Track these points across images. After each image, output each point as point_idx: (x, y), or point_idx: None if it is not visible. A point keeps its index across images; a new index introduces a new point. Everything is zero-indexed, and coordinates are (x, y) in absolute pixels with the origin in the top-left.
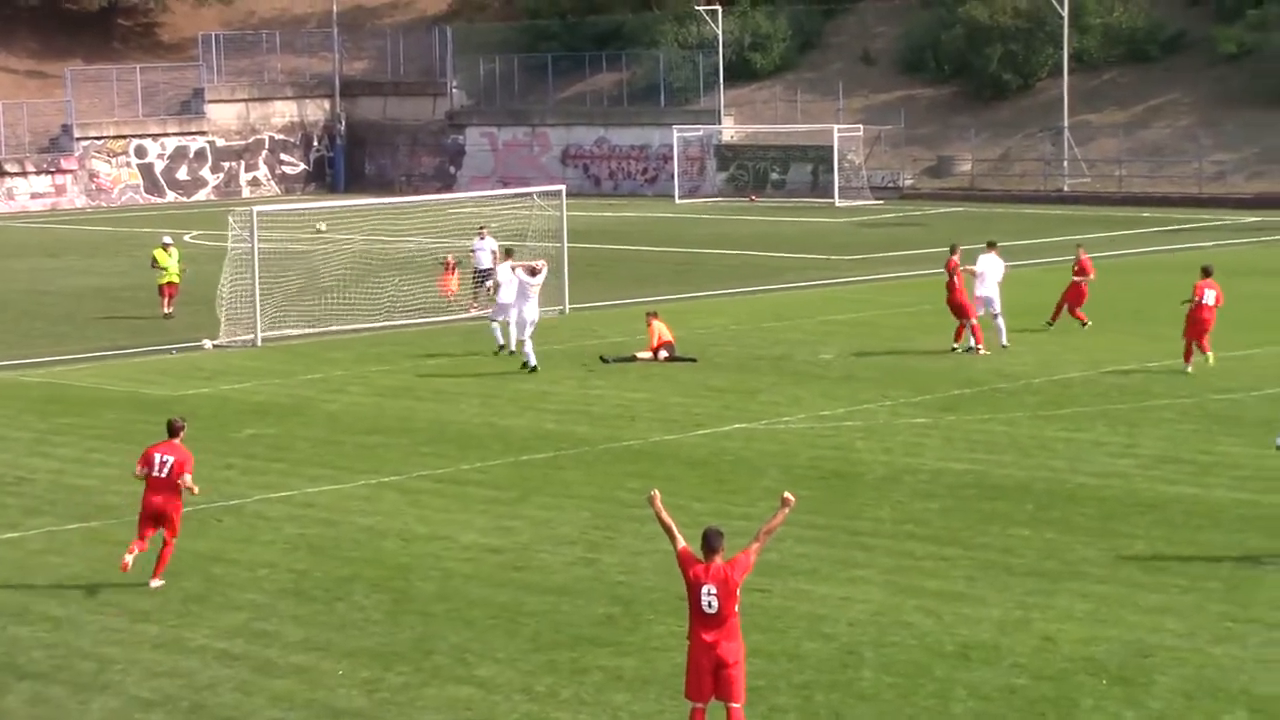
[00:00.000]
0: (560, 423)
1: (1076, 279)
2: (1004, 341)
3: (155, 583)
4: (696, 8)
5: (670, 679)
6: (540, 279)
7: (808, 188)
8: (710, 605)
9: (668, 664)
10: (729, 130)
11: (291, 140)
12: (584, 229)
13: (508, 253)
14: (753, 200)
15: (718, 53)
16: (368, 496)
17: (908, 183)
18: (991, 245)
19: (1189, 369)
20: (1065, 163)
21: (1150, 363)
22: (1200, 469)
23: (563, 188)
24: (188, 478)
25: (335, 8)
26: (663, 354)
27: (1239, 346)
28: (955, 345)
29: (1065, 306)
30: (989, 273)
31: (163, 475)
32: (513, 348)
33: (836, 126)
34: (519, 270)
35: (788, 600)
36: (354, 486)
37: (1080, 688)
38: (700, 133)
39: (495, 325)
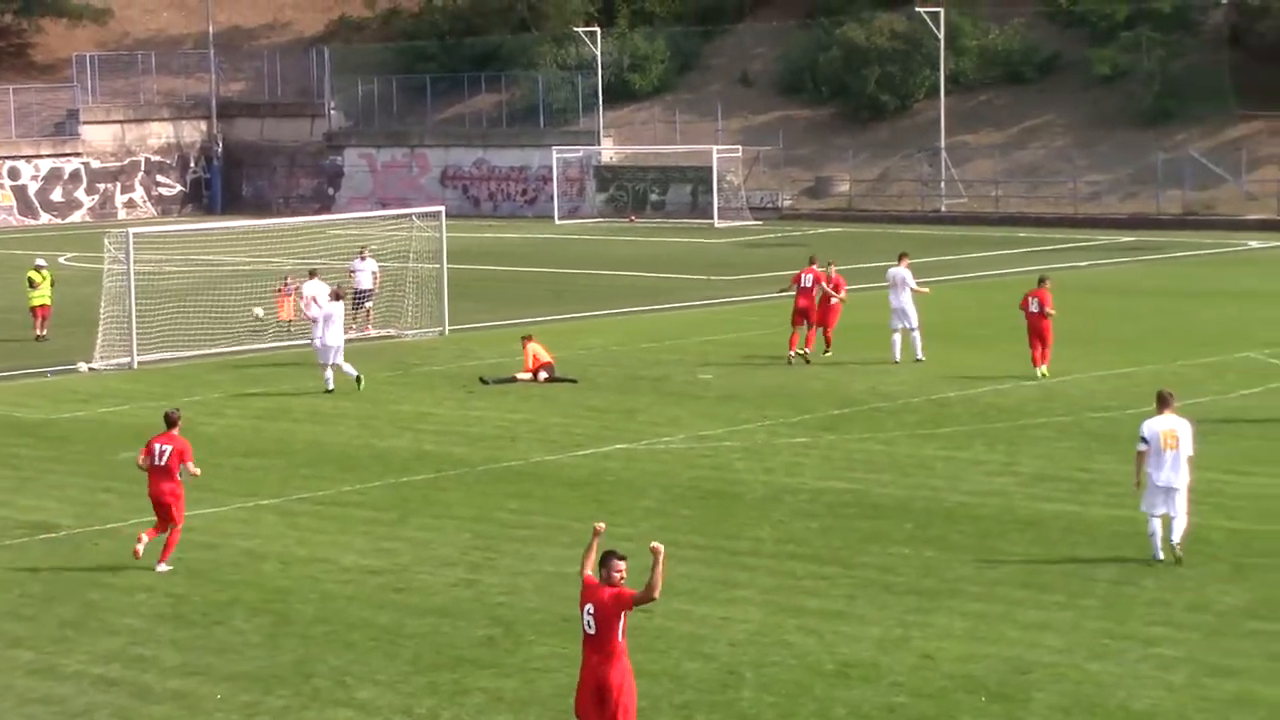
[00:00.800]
0: (440, 444)
1: (827, 297)
2: (919, 355)
3: (161, 567)
4: (575, 29)
5: (552, 700)
6: (339, 305)
7: (687, 208)
8: (589, 626)
9: (549, 685)
10: (608, 151)
11: (168, 162)
12: (463, 250)
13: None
14: (632, 221)
15: (596, 74)
16: (246, 519)
17: (786, 203)
18: (902, 257)
19: (1039, 373)
20: (942, 183)
21: (1027, 381)
22: (1078, 487)
23: (442, 209)
24: (190, 465)
25: (211, 28)
26: (543, 375)
27: (1117, 365)
28: (798, 352)
29: (816, 327)
30: (900, 285)
31: (162, 464)
32: (329, 386)
33: (715, 147)
34: (309, 305)
35: (668, 620)
36: (232, 509)
37: (959, 705)
38: (580, 154)
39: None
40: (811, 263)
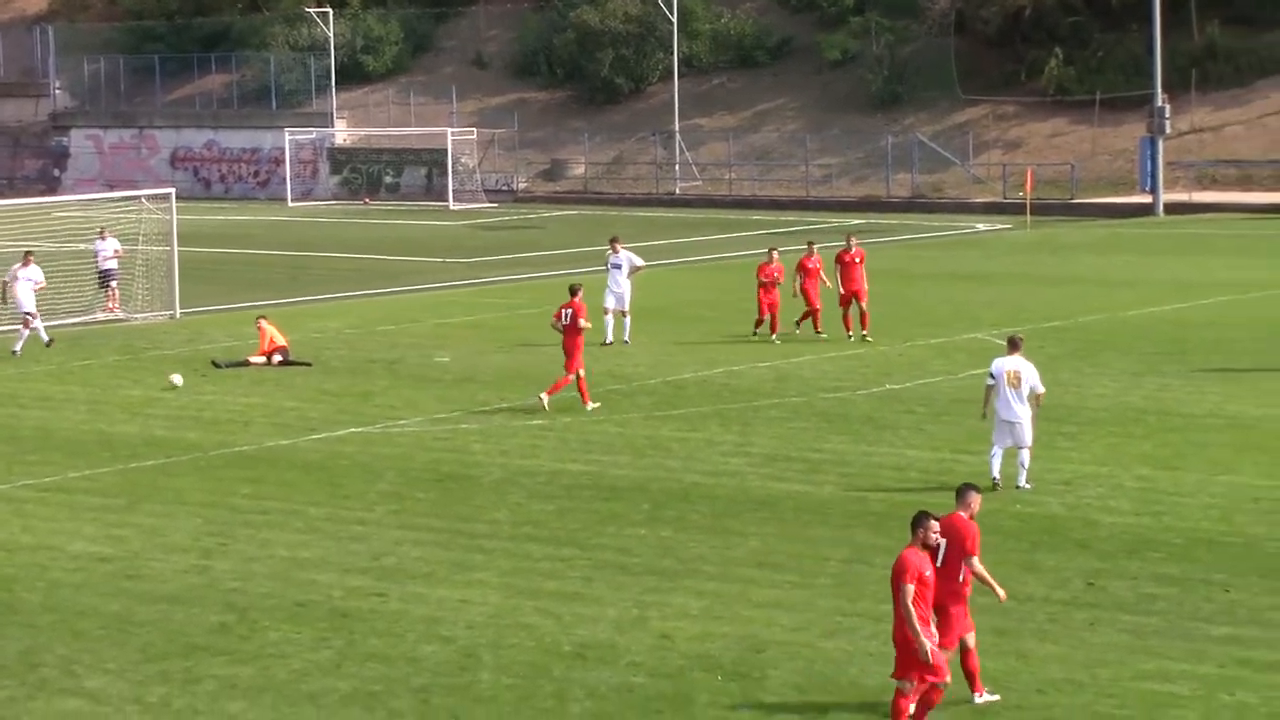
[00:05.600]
0: (171, 429)
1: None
2: (626, 338)
3: (590, 406)
4: (306, 10)
5: (287, 685)
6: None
7: (422, 191)
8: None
9: (284, 670)
10: (342, 133)
11: None
12: (194, 233)
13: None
14: (366, 203)
15: (329, 55)
16: None
17: (522, 186)
18: (614, 241)
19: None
20: (677, 166)
21: (761, 363)
22: (810, 467)
23: (172, 191)
24: (581, 320)
25: None
26: (276, 358)
27: (849, 346)
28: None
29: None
30: (622, 268)
31: (566, 323)
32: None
33: (450, 130)
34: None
35: (405, 604)
36: None
37: (696, 684)
38: (313, 135)
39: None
40: (771, 256)
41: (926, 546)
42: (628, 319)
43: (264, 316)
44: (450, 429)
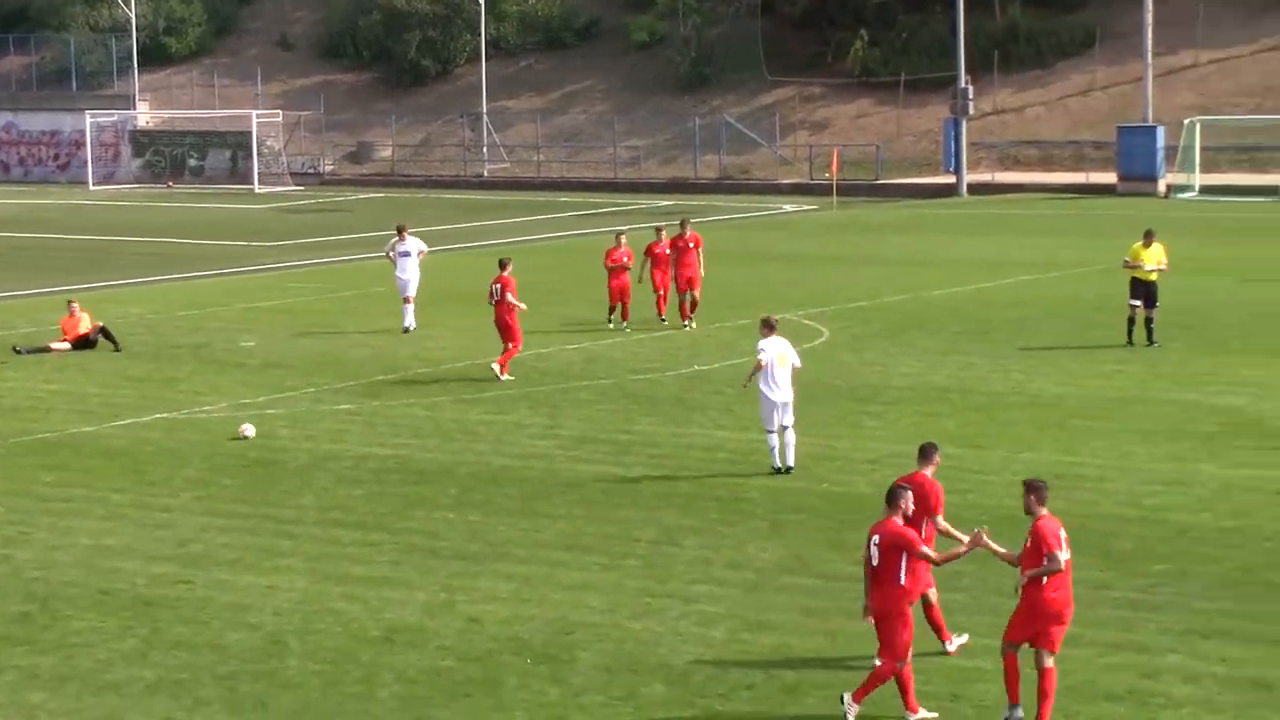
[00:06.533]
0: None
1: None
2: (408, 324)
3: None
4: None
5: (91, 674)
6: None
7: (227, 174)
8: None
9: (88, 660)
10: (144, 116)
11: None
12: None
13: None
14: (170, 187)
15: (131, 36)
16: None
17: (329, 168)
18: (401, 227)
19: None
20: (485, 148)
21: (569, 345)
22: (619, 449)
23: None
24: (509, 295)
25: None
26: (81, 342)
27: (656, 328)
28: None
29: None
30: (411, 255)
31: (496, 299)
32: None
33: (255, 112)
34: None
35: (210, 591)
36: None
37: (506, 667)
38: (115, 118)
39: None
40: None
41: (905, 518)
42: (411, 306)
43: (73, 300)
44: (257, 414)
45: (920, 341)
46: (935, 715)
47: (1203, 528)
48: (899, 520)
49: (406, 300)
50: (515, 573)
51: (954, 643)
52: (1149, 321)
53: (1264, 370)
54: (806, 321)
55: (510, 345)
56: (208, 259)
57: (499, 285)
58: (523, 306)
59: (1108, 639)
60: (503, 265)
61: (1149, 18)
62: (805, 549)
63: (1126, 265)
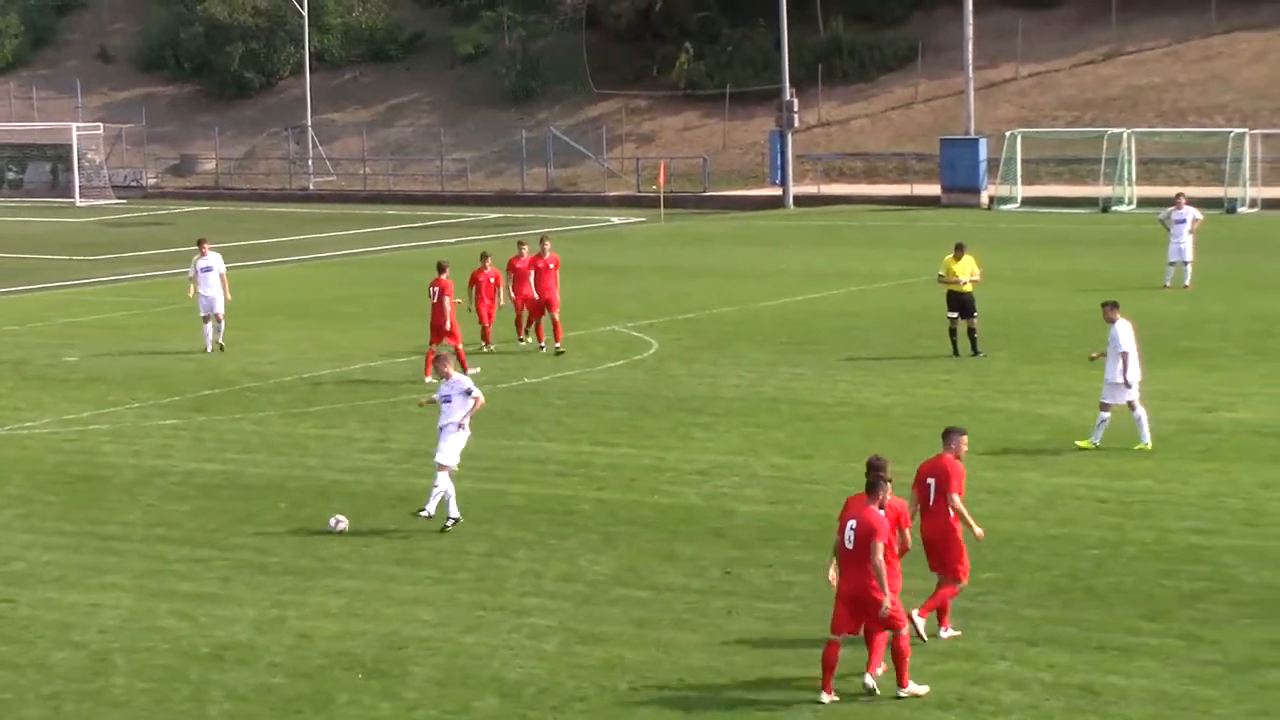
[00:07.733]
0: None
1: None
2: (221, 341)
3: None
4: None
5: None
6: None
7: (47, 187)
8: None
9: None
10: None
11: None
12: None
13: None
14: None
15: None
16: None
17: (151, 181)
18: (202, 241)
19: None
20: (310, 161)
21: (399, 359)
22: None
23: None
24: (448, 300)
25: None
26: None
27: (500, 338)
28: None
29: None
30: (213, 270)
31: (434, 300)
32: None
33: (75, 125)
34: None
35: (35, 610)
36: None
37: (336, 683)
38: None
39: None
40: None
41: (883, 508)
42: (221, 324)
43: None
44: (80, 430)
45: (749, 353)
46: (926, 688)
47: (1028, 536)
48: (876, 509)
49: (208, 319)
50: (346, 587)
51: (949, 631)
52: (971, 332)
53: (1086, 380)
54: (635, 334)
55: (453, 341)
56: (28, 273)
57: (437, 288)
58: (459, 301)
59: (938, 647)
60: (441, 269)
61: (969, 32)
62: (637, 560)
63: (941, 280)
